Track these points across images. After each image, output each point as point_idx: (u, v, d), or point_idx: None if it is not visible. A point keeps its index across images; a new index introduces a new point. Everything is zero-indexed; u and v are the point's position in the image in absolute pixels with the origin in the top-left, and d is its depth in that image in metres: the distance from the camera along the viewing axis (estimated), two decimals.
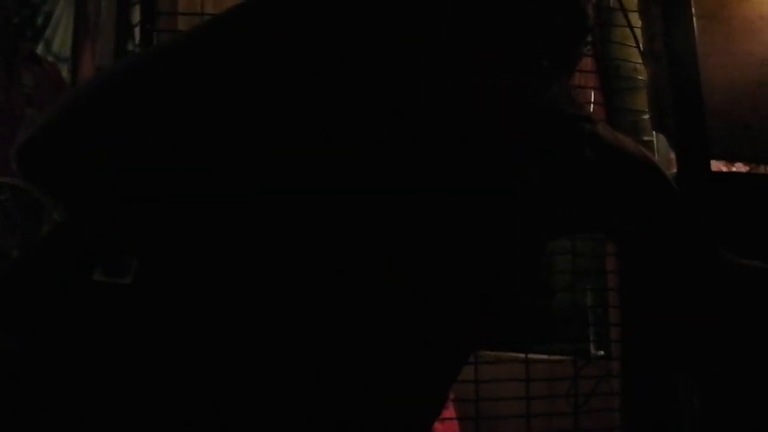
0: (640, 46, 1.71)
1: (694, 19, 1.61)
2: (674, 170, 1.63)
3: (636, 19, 1.72)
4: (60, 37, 3.13)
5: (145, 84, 0.85)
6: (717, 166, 1.75)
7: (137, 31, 1.53)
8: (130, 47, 1.51)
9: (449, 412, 2.03)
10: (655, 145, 1.70)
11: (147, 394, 0.73)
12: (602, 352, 2.12)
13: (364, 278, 0.80)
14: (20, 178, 0.87)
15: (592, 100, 1.81)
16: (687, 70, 1.62)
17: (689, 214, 1.03)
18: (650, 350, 1.63)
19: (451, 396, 1.92)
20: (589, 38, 1.74)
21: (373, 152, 0.83)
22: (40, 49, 3.19)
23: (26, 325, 0.77)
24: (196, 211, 0.80)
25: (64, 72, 3.25)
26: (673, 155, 1.64)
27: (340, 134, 0.83)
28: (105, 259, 0.78)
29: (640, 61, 1.71)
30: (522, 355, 1.90)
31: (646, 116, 1.71)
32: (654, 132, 1.70)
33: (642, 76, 1.71)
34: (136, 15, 1.53)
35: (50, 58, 3.17)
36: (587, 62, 1.80)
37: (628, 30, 1.73)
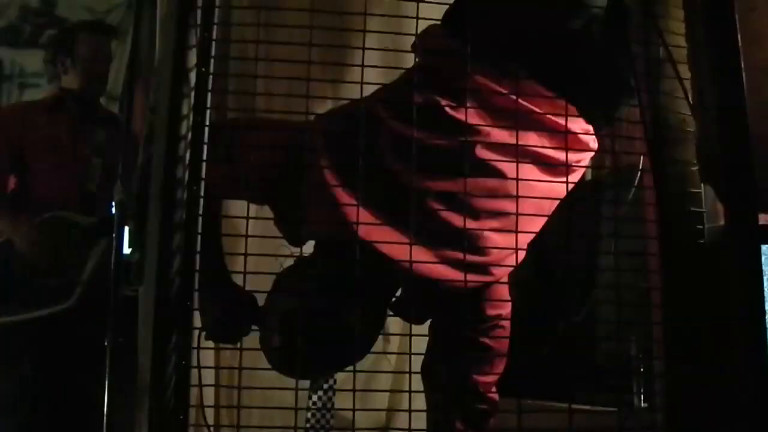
0: (689, 97, 1.70)
1: (743, 71, 1.61)
2: (722, 222, 1.62)
3: (685, 71, 1.72)
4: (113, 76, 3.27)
5: None
6: (766, 219, 1.73)
7: (192, 74, 1.59)
8: (185, 90, 1.57)
9: None
10: (703, 197, 1.69)
11: None
12: (647, 404, 2.08)
13: None
14: None
15: (640, 150, 1.80)
16: (736, 123, 1.61)
17: None
18: (695, 403, 1.61)
19: None
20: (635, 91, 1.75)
21: None
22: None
23: None
24: None
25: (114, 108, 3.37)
26: (721, 207, 1.62)
27: None
28: None
29: (689, 112, 1.71)
30: (565, 405, 1.87)
31: (695, 168, 1.70)
32: (702, 184, 1.69)
33: (690, 128, 1.71)
34: (191, 59, 1.59)
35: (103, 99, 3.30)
36: (635, 113, 1.80)
37: (676, 81, 1.73)
